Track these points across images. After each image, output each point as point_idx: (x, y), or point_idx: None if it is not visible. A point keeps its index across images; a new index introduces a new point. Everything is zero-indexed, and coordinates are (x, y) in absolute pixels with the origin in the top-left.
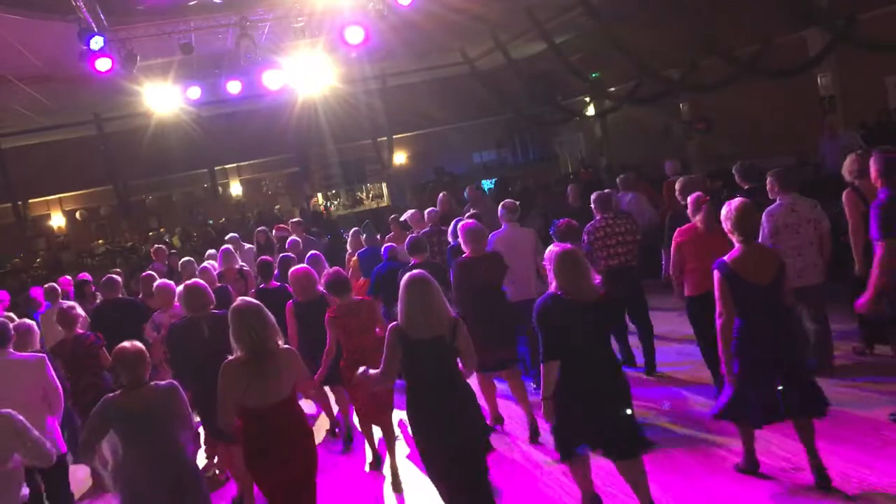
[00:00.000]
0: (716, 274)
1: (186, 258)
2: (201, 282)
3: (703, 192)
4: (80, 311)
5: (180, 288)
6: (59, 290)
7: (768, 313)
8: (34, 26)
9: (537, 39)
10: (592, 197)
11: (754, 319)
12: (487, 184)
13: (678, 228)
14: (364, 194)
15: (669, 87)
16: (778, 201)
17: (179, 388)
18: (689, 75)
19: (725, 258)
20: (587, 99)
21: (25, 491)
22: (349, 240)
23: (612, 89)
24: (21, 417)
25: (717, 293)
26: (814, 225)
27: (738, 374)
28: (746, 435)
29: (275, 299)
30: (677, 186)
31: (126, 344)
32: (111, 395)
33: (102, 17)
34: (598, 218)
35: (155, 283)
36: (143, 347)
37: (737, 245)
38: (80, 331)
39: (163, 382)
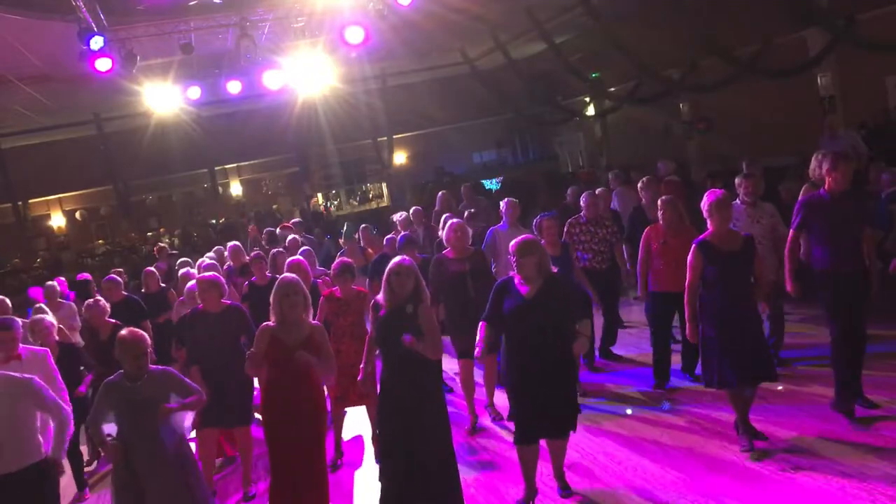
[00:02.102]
0: (693, 248)
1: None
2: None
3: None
4: (52, 319)
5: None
6: (59, 290)
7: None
8: (34, 26)
9: (537, 39)
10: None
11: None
12: (488, 183)
13: (647, 227)
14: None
15: (669, 87)
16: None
17: (172, 370)
18: (689, 75)
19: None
20: (587, 99)
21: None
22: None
23: (612, 89)
24: (42, 383)
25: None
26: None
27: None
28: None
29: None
30: (640, 185)
31: (125, 332)
32: (111, 379)
33: (102, 17)
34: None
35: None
36: (144, 334)
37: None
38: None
39: (156, 367)
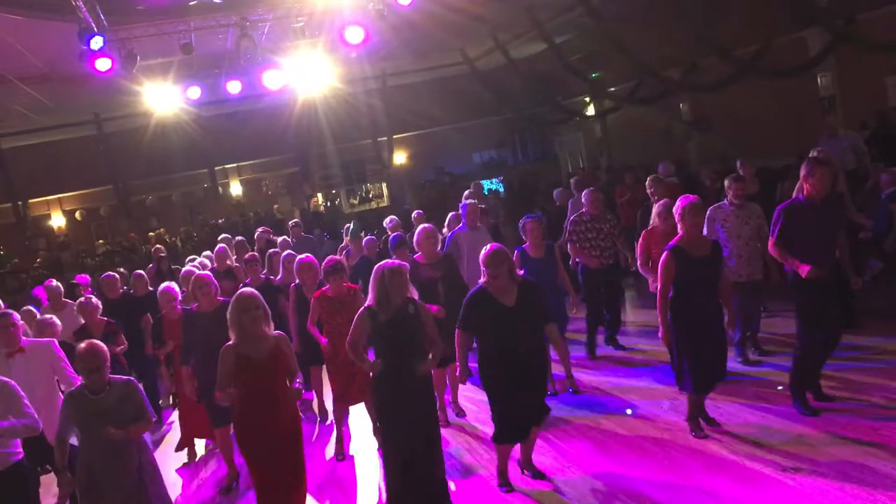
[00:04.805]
0: (665, 254)
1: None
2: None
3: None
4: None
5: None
6: (62, 290)
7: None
8: (34, 26)
9: (537, 39)
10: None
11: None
12: (488, 184)
13: (644, 230)
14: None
15: (669, 87)
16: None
17: (135, 382)
18: (689, 75)
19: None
20: (587, 99)
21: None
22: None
23: (612, 89)
24: (20, 391)
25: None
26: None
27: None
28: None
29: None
30: (647, 184)
31: (82, 345)
32: (73, 391)
33: (102, 17)
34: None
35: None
36: (102, 347)
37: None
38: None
39: (119, 377)
